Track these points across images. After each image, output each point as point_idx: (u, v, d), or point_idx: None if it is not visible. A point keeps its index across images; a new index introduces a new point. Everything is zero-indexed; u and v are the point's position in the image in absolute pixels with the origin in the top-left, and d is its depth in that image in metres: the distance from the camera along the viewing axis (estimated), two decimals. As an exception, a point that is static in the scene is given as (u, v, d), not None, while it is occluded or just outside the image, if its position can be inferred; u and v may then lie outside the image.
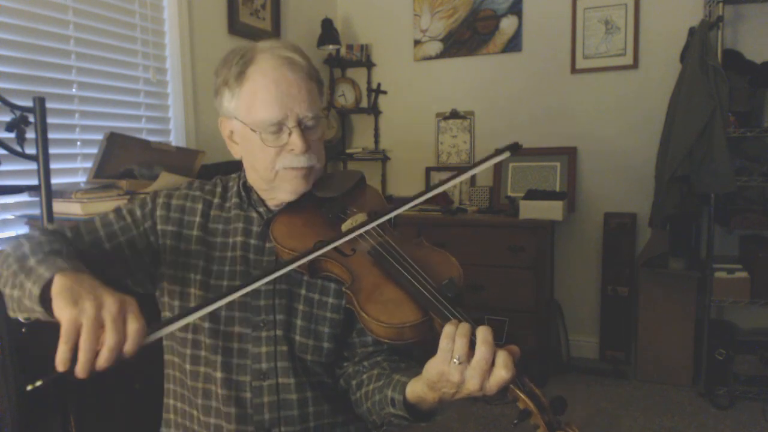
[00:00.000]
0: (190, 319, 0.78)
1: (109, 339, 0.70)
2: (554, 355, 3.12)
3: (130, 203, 1.07)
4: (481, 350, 0.72)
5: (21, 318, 0.87)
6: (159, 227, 1.04)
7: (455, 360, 0.73)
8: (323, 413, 0.99)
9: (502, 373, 0.71)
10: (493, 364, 0.72)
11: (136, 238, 1.02)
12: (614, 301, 3.18)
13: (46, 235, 0.94)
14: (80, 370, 0.69)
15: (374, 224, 0.92)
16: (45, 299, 0.77)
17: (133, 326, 0.72)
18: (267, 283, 0.97)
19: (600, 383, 3.01)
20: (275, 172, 0.99)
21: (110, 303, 0.72)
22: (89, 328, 0.69)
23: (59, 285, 0.75)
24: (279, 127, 0.97)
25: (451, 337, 0.74)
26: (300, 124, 0.98)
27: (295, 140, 0.97)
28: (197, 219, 1.05)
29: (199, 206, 1.06)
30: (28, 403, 1.39)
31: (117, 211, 1.06)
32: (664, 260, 2.93)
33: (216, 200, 1.08)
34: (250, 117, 0.98)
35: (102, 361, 0.69)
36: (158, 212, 1.05)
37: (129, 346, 0.71)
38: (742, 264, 2.87)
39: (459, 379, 0.73)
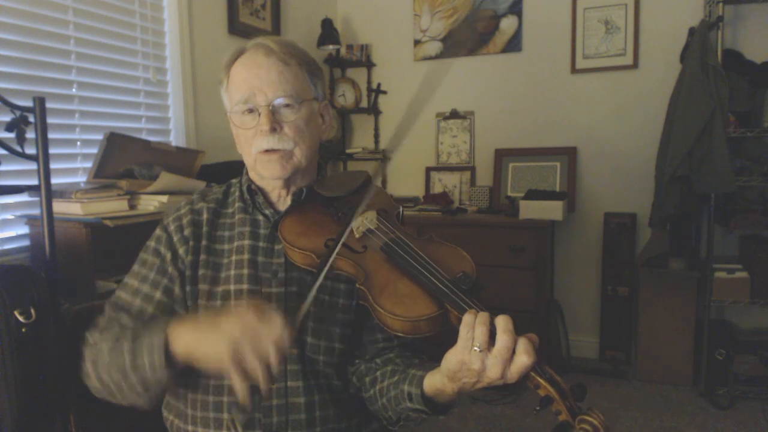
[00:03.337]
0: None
1: (269, 348, 0.75)
2: (554, 355, 3.11)
3: (145, 253, 1.06)
4: (503, 339, 0.73)
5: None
6: (181, 252, 1.03)
7: (476, 348, 0.74)
8: (329, 418, 0.98)
9: (523, 359, 0.72)
10: (513, 351, 0.73)
11: (168, 284, 1.02)
12: (614, 301, 3.18)
13: (112, 335, 0.94)
14: (266, 387, 0.75)
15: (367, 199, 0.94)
16: (173, 365, 0.84)
17: (277, 322, 0.77)
18: (278, 287, 1.00)
19: (600, 383, 3.01)
20: (254, 158, 1.02)
21: (244, 318, 0.77)
22: (253, 352, 0.74)
23: (183, 342, 0.81)
24: (250, 107, 1.00)
25: (471, 325, 0.75)
26: (270, 105, 0.99)
27: (262, 119, 0.99)
28: (204, 229, 1.05)
29: (205, 217, 1.06)
30: (28, 403, 1.39)
31: (135, 274, 1.05)
32: (664, 260, 2.93)
33: (220, 208, 1.08)
34: (230, 103, 1.04)
35: (275, 366, 0.75)
36: (175, 238, 1.04)
37: (289, 339, 0.77)
38: (742, 264, 2.87)
39: (480, 367, 0.73)
